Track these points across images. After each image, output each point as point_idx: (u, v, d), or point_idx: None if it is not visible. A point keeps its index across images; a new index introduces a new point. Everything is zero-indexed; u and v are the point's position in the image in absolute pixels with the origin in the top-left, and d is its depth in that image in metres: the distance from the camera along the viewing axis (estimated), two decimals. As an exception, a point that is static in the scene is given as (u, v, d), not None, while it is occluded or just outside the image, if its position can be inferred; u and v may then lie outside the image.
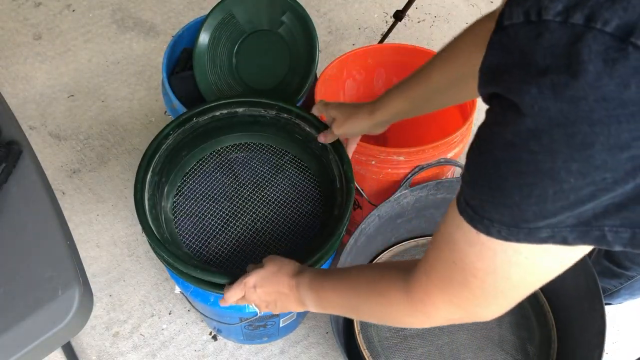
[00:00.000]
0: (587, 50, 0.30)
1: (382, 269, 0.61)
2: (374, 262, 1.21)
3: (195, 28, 1.20)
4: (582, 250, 0.41)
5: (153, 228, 0.83)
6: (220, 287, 0.80)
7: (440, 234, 0.47)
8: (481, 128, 0.39)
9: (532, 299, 1.15)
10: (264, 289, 0.73)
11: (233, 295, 0.76)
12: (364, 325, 1.14)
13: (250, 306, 0.79)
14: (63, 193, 1.47)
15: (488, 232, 0.40)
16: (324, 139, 0.91)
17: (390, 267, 0.60)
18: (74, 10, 1.86)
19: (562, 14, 0.31)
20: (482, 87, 0.38)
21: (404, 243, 1.24)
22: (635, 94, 0.29)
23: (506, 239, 0.39)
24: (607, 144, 0.31)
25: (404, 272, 0.55)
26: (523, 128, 0.34)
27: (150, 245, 0.83)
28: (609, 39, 0.29)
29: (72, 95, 1.66)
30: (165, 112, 1.63)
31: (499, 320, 1.18)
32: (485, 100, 0.39)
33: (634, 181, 0.33)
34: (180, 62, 1.18)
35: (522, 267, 0.42)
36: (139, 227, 1.05)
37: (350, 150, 0.93)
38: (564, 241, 0.38)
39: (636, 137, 0.31)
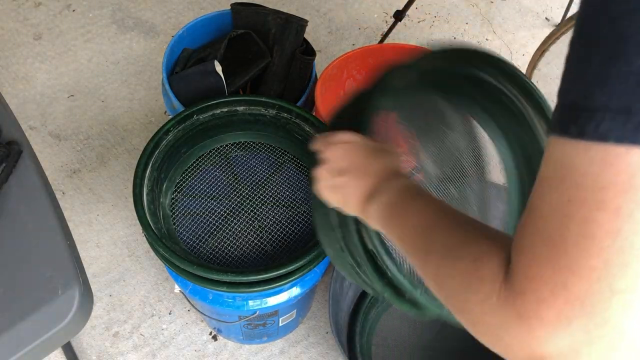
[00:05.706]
0: None
1: (483, 230, 0.39)
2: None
3: (195, 28, 1.20)
4: None
5: (151, 223, 0.83)
6: (217, 284, 0.80)
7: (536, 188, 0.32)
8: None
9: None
10: (351, 153, 0.53)
11: (318, 141, 0.58)
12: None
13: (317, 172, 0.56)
14: (63, 193, 1.47)
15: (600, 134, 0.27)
16: None
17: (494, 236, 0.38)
18: (74, 10, 1.86)
19: None
20: None
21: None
22: None
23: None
24: None
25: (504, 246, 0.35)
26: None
27: (148, 240, 0.83)
28: None
29: (72, 95, 1.66)
30: (165, 112, 1.63)
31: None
32: None
33: None
34: (180, 62, 1.18)
35: None
36: (139, 227, 1.05)
37: None
38: None
39: None
